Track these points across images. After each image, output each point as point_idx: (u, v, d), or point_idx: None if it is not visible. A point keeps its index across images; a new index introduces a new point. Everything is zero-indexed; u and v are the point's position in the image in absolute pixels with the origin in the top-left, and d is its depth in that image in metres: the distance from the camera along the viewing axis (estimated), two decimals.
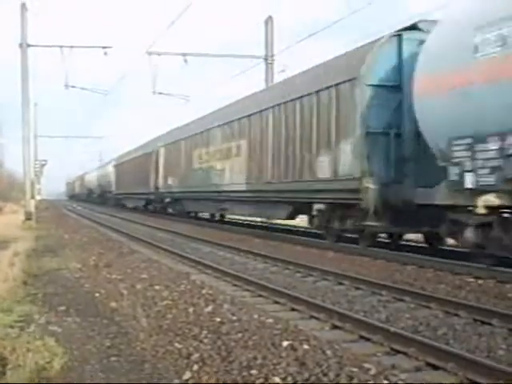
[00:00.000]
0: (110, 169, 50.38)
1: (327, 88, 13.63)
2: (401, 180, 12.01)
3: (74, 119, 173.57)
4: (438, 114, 10.02)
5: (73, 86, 29.98)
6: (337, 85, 13.22)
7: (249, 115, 18.57)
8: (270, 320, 6.40)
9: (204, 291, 8.32)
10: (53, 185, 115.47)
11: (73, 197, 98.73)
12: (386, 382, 4.39)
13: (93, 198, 66.07)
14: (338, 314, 6.76)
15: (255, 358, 4.99)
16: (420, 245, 13.89)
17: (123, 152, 46.57)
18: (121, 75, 71.34)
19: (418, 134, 11.25)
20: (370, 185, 11.91)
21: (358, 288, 8.79)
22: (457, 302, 7.30)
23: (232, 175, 20.11)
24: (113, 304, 7.63)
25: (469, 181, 9.44)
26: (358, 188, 12.13)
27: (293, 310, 7.40)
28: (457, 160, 9.67)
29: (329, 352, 5.10)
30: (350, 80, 12.71)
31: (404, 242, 14.37)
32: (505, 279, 8.81)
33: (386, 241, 14.00)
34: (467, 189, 9.51)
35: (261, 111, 17.55)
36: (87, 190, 71.11)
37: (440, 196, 10.29)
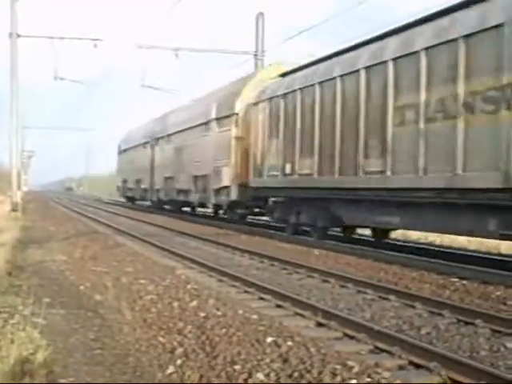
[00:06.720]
0: None
1: None
2: None
3: (62, 110, 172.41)
4: None
5: (62, 78, 29.80)
6: None
7: None
8: (255, 316, 6.41)
9: (189, 286, 8.31)
10: (40, 176, 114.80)
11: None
12: (368, 379, 4.41)
13: None
14: (322, 311, 6.78)
15: (239, 354, 5.00)
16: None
17: None
18: (110, 68, 71.08)
19: None
20: None
21: (343, 286, 8.82)
22: (441, 302, 7.34)
23: None
24: (97, 297, 7.60)
25: None
26: None
27: (278, 306, 7.40)
28: None
29: (312, 349, 5.11)
30: None
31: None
32: (489, 280, 8.87)
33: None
34: None
35: None
36: None
37: None
